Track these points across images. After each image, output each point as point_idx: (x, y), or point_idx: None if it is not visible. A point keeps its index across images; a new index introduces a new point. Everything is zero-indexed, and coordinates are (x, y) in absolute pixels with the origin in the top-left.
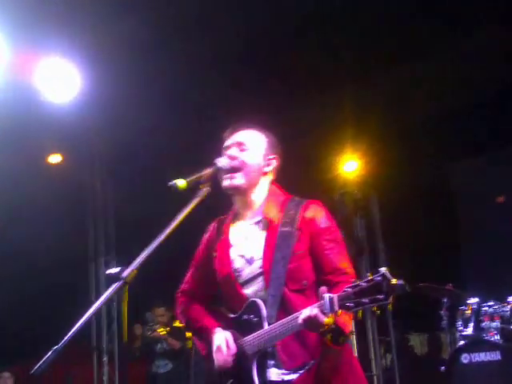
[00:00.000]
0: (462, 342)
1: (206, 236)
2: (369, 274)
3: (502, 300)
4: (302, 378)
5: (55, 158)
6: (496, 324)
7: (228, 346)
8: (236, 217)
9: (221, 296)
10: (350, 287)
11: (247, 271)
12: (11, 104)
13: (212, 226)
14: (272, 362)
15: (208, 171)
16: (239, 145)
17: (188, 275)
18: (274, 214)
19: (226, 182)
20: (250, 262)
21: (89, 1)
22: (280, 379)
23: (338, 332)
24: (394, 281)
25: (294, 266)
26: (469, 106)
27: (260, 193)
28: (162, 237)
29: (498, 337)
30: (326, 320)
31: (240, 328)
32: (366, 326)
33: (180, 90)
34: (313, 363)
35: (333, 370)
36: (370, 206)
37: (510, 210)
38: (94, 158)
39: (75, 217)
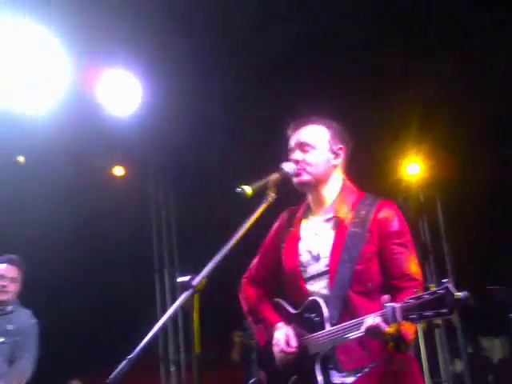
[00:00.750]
0: None
1: (277, 225)
2: (431, 285)
3: None
4: (360, 380)
5: (119, 171)
6: None
7: (288, 344)
8: (308, 211)
9: (283, 288)
10: (413, 298)
11: (313, 267)
12: (75, 117)
13: (283, 216)
14: (331, 364)
15: (274, 176)
16: (302, 146)
17: (255, 262)
18: (345, 212)
19: (294, 180)
20: (316, 258)
21: (150, 15)
22: (340, 382)
23: (400, 340)
24: (457, 294)
25: (361, 268)
26: None
27: (332, 188)
28: (230, 244)
29: None
30: (389, 330)
31: (301, 325)
32: (433, 331)
33: (243, 100)
34: (372, 366)
35: (393, 376)
36: (433, 209)
37: None
38: (156, 170)
39: (139, 228)
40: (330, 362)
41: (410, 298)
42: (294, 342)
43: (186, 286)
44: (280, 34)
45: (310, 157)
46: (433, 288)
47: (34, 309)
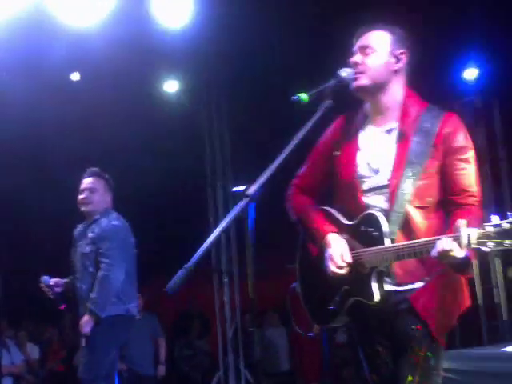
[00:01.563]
0: None
1: (330, 131)
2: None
3: None
4: (415, 294)
5: (172, 85)
6: None
7: (342, 257)
8: (366, 120)
9: (334, 197)
10: (491, 225)
11: (373, 180)
12: (127, 30)
13: (337, 123)
14: (387, 278)
15: (331, 83)
16: (363, 49)
17: (303, 169)
18: (408, 124)
19: (352, 85)
20: (376, 171)
21: None
22: (394, 290)
23: (465, 262)
24: None
25: (423, 184)
26: None
27: (393, 97)
28: (285, 153)
29: None
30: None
31: (356, 238)
32: None
33: (299, 4)
34: (428, 280)
35: (447, 289)
36: (491, 115)
37: None
38: (210, 84)
39: (192, 142)
40: (384, 275)
41: (487, 225)
42: (348, 258)
43: (241, 195)
44: None
45: (370, 60)
46: (495, 220)
47: None
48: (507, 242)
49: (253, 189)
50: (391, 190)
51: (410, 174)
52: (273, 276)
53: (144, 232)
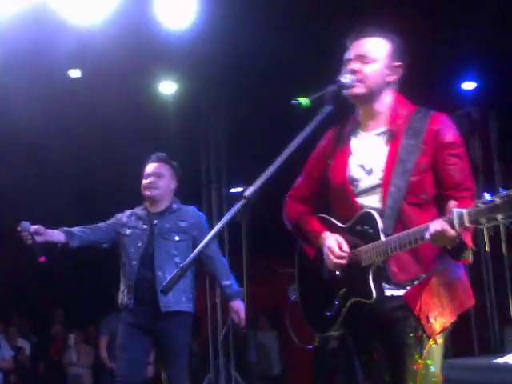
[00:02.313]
0: None
1: (323, 143)
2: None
3: None
4: (412, 291)
5: (169, 86)
6: None
7: (340, 248)
8: (358, 126)
9: (329, 205)
10: (481, 203)
11: (365, 182)
12: (129, 29)
13: (330, 133)
14: (383, 277)
15: (331, 89)
16: (361, 58)
17: (299, 181)
18: (398, 124)
19: (347, 92)
20: (369, 172)
21: None
22: (390, 295)
23: (461, 247)
24: None
25: (417, 180)
26: None
27: (384, 102)
28: (284, 156)
29: None
30: (455, 235)
31: (352, 238)
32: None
33: (303, 10)
34: (424, 277)
35: (445, 287)
36: (487, 127)
37: None
38: (207, 86)
39: (188, 144)
40: (381, 274)
41: (479, 202)
42: (346, 247)
43: (238, 197)
44: None
45: (369, 69)
46: (488, 197)
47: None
48: (499, 216)
49: (250, 191)
50: (384, 189)
51: (402, 170)
52: (265, 280)
53: None
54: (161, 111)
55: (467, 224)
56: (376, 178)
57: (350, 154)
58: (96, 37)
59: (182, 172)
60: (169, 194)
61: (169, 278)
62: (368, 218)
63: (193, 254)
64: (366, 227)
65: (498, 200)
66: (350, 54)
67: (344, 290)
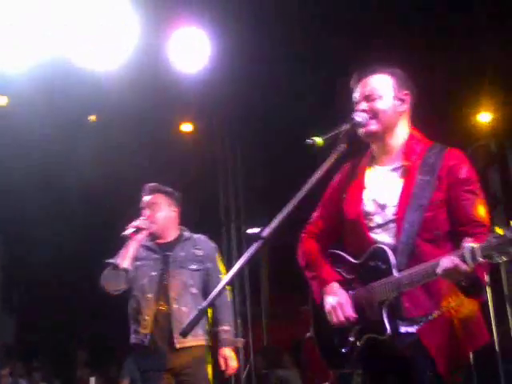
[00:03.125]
0: None
1: (338, 177)
2: (497, 228)
3: None
4: (424, 327)
5: (187, 127)
6: None
7: (344, 312)
8: (372, 161)
9: (343, 240)
10: (494, 237)
11: (379, 217)
12: (144, 74)
13: (345, 168)
14: (396, 312)
15: (345, 127)
16: (368, 97)
17: (315, 215)
18: (413, 160)
19: (361, 130)
20: (382, 207)
21: None
22: (404, 331)
23: (475, 283)
24: None
25: (431, 215)
26: None
27: (398, 137)
28: (300, 196)
29: None
30: (467, 269)
31: (365, 274)
32: (501, 280)
33: (311, 53)
34: (438, 314)
35: (459, 324)
36: (505, 159)
37: None
38: (223, 126)
39: (207, 183)
40: (395, 310)
41: (491, 237)
42: (348, 311)
43: (255, 237)
44: None
45: (378, 105)
46: (499, 231)
47: None
48: (510, 250)
49: (267, 231)
50: (398, 224)
51: (416, 206)
52: (288, 318)
53: None
54: (178, 152)
55: (479, 259)
56: (390, 213)
57: (364, 188)
58: (113, 83)
59: (201, 212)
60: (172, 223)
61: (185, 315)
62: (381, 254)
63: (213, 294)
64: (378, 263)
65: (510, 234)
66: (357, 95)
67: (358, 326)
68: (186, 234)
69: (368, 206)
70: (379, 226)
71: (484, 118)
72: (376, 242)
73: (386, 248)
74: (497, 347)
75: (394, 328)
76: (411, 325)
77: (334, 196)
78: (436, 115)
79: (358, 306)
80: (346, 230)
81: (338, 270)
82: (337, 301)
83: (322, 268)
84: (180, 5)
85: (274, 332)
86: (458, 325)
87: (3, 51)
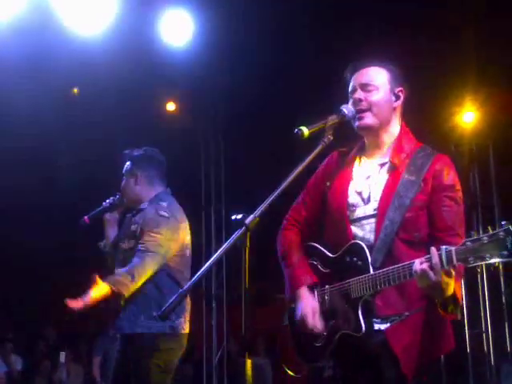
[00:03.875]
0: None
1: (324, 165)
2: (474, 232)
3: None
4: (393, 327)
5: (169, 105)
6: None
7: (313, 321)
8: (362, 153)
9: (323, 231)
10: (469, 241)
11: (361, 210)
12: (128, 45)
13: (332, 156)
14: (370, 310)
15: (333, 118)
16: (364, 86)
17: (299, 201)
18: (402, 158)
19: (356, 123)
20: (365, 201)
21: None
22: (377, 328)
23: (449, 299)
24: None
25: (411, 216)
26: None
27: (391, 133)
28: (283, 185)
29: None
30: (443, 277)
31: (341, 269)
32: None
33: (299, 32)
34: (407, 315)
35: (427, 328)
36: (486, 158)
37: None
38: (207, 106)
39: (187, 165)
40: (369, 308)
41: (467, 241)
42: (315, 322)
43: (239, 223)
44: None
45: (374, 97)
46: (491, 231)
47: None
48: (487, 255)
49: (250, 218)
50: (378, 220)
51: (398, 205)
52: (265, 304)
53: None
54: (161, 130)
55: (455, 262)
56: (371, 207)
57: (351, 179)
58: (96, 49)
59: (181, 194)
60: (135, 190)
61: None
62: (357, 250)
63: (194, 279)
64: (355, 259)
65: (485, 239)
66: (353, 85)
67: (333, 321)
68: (141, 206)
69: (352, 197)
70: (360, 219)
71: (466, 117)
72: (355, 236)
73: (363, 245)
74: (468, 349)
75: (369, 326)
76: (383, 323)
77: (318, 184)
78: (418, 115)
79: (332, 301)
80: (328, 220)
81: (315, 262)
82: (305, 310)
83: (296, 265)
84: None
85: (252, 318)
86: (425, 328)
87: None
